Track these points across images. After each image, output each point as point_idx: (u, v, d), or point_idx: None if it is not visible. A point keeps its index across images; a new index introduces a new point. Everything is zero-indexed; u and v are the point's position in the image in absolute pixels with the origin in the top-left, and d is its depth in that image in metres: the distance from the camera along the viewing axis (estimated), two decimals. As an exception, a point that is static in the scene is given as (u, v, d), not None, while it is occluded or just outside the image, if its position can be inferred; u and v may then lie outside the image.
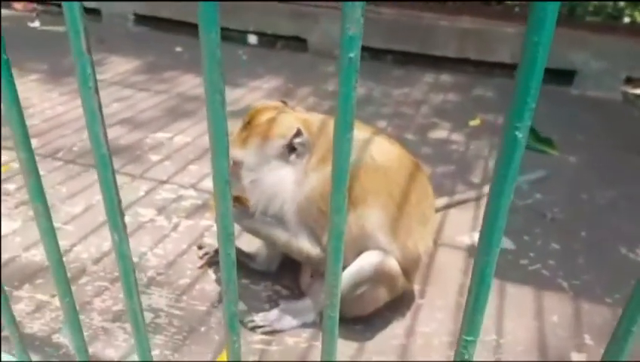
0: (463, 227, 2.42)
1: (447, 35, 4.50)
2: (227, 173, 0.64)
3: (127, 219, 2.35)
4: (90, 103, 0.62)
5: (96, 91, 0.62)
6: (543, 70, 0.47)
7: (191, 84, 4.03)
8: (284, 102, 1.73)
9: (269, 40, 5.08)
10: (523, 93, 0.49)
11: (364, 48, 4.75)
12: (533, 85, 0.47)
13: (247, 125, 1.62)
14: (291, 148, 1.57)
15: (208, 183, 2.68)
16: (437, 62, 4.67)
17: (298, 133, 1.55)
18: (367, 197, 1.56)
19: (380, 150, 1.62)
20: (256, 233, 1.68)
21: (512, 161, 0.51)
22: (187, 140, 3.18)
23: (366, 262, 1.61)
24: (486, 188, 2.70)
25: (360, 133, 1.64)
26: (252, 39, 5.17)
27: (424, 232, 1.68)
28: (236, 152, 1.60)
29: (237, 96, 3.88)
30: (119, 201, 0.72)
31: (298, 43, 4.97)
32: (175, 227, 2.31)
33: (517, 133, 0.49)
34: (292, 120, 1.60)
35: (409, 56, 4.72)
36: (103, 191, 0.71)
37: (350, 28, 0.50)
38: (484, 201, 2.63)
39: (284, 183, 1.59)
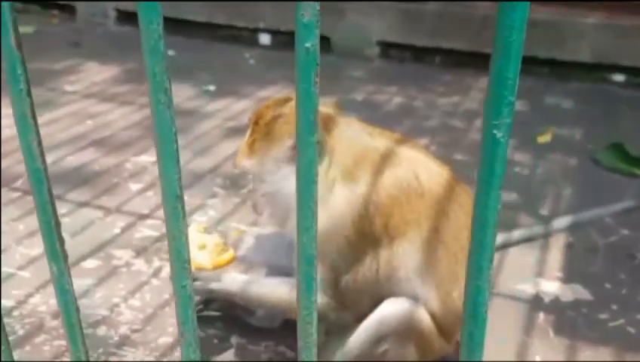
0: (526, 272, 2.42)
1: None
2: (177, 185, 0.71)
3: (97, 262, 2.44)
4: (22, 108, 0.70)
5: (29, 94, 0.70)
6: (519, 57, 0.52)
7: (184, 95, 4.20)
8: (337, 105, 1.80)
9: (283, 39, 5.25)
10: (498, 84, 0.54)
11: (404, 47, 4.86)
12: (510, 75, 0.53)
13: (255, 126, 1.69)
14: None
15: (202, 218, 2.76)
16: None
17: None
18: (407, 229, 1.60)
19: (427, 171, 1.66)
20: (239, 298, 1.75)
21: (493, 166, 0.56)
22: (175, 165, 3.31)
23: (390, 312, 1.64)
24: (557, 223, 2.70)
25: (404, 148, 1.69)
26: (263, 39, 5.35)
27: None
28: (243, 162, 1.68)
29: (240, 109, 4.02)
30: (58, 225, 0.80)
31: (321, 43, 5.12)
32: (156, 272, 2.39)
33: (495, 132, 0.54)
34: None
35: (461, 56, 4.80)
36: (38, 214, 0.79)
37: (305, 15, 0.57)
38: (555, 240, 2.63)
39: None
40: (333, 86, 4.33)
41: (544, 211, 2.87)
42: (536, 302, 2.27)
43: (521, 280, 2.39)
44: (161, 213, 2.82)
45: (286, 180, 1.62)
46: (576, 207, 2.85)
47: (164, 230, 2.73)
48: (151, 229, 2.69)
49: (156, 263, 2.45)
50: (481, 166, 0.57)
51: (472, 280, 0.61)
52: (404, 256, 1.62)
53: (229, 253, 1.79)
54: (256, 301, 1.78)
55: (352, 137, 1.65)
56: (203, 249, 1.99)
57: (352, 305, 1.69)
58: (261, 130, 1.66)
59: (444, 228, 1.63)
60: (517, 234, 2.62)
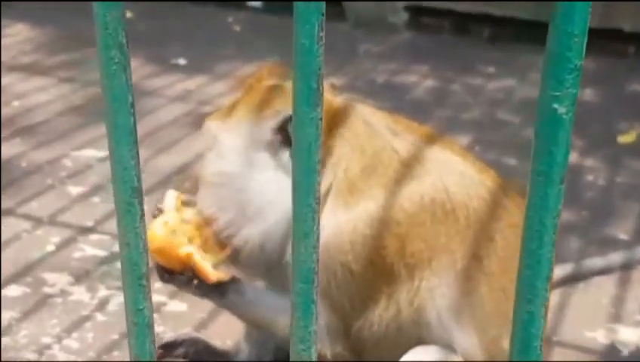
0: (598, 315, 2.43)
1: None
2: (133, 174, 0.72)
3: (22, 289, 2.45)
4: None
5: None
6: (588, 7, 0.53)
7: (145, 71, 4.23)
8: (334, 86, 1.80)
9: (278, 2, 5.28)
10: (560, 43, 0.55)
11: (441, 14, 4.87)
12: (575, 30, 0.54)
13: (247, 89, 1.72)
14: (285, 138, 1.62)
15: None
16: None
17: None
18: (432, 257, 1.61)
19: (462, 180, 1.67)
20: (238, 314, 1.75)
21: (553, 153, 0.57)
22: (131, 162, 3.32)
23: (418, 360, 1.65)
24: None
25: (433, 149, 1.69)
26: (254, 1, 5.38)
27: None
28: (213, 123, 1.70)
29: (218, 91, 4.04)
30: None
31: (330, 7, 5.15)
32: (102, 304, 2.40)
33: (556, 106, 0.56)
34: None
35: (517, 27, 4.82)
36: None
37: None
38: (638, 273, 2.63)
39: (276, 200, 1.63)
40: (345, 63, 4.36)
41: (623, 235, 2.88)
42: (611, 354, 2.27)
43: (591, 325, 2.39)
44: (109, 225, 2.83)
45: (251, 168, 1.64)
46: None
47: (113, 248, 2.77)
48: (96, 247, 2.70)
49: (102, 292, 2.46)
50: (535, 152, 0.58)
51: (522, 304, 0.62)
52: (431, 293, 1.62)
53: (228, 250, 1.77)
54: (258, 324, 1.79)
55: (364, 137, 1.66)
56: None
57: (371, 356, 1.70)
58: (250, 94, 1.68)
59: (489, 256, 1.64)
60: (587, 264, 2.62)
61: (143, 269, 0.78)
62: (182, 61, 4.49)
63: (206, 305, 2.19)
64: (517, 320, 0.67)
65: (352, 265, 1.61)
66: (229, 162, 1.67)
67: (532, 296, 0.66)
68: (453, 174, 1.67)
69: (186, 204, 1.90)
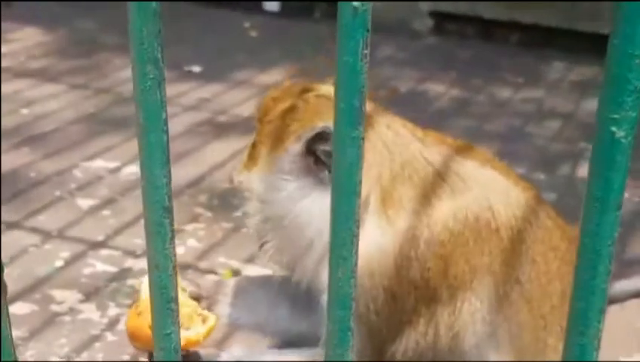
0: (632, 339, 2.41)
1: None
2: (165, 193, 0.73)
3: (30, 306, 2.46)
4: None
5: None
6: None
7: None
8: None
9: (296, 5, 5.29)
10: (620, 64, 0.55)
11: (467, 20, 4.87)
12: (637, 51, 0.54)
13: (259, 125, 1.72)
14: (316, 158, 1.61)
15: (179, 250, 2.78)
16: (598, 45, 4.73)
17: (322, 133, 1.57)
18: (474, 279, 1.61)
19: (505, 198, 1.66)
20: None
21: (610, 178, 0.57)
22: (143, 174, 3.33)
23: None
24: None
25: (471, 163, 1.69)
26: (270, 4, 5.39)
27: None
28: (242, 175, 1.71)
29: (234, 99, 4.06)
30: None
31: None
32: (112, 323, 2.40)
33: (614, 129, 0.56)
34: (325, 108, 1.62)
35: (547, 34, 4.83)
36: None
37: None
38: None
39: (316, 221, 1.62)
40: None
41: (662, 257, 2.87)
42: (649, 383, 2.26)
43: (627, 350, 2.38)
44: (120, 240, 2.83)
45: (295, 201, 1.64)
46: None
47: (124, 264, 2.78)
48: (106, 263, 2.70)
49: (113, 310, 2.46)
50: (591, 177, 0.58)
51: (574, 336, 0.62)
52: (471, 317, 1.62)
53: (211, 321, 1.78)
54: None
55: (392, 144, 1.66)
56: None
57: None
58: (264, 130, 1.68)
59: (529, 280, 1.63)
60: (622, 285, 2.60)
61: (172, 293, 0.78)
62: (196, 68, 4.50)
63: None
64: (568, 353, 0.66)
65: (395, 288, 1.61)
66: (270, 205, 1.68)
67: (584, 328, 0.65)
68: (498, 192, 1.66)
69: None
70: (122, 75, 4.27)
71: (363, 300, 1.60)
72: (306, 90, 1.70)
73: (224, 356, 1.72)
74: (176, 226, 2.78)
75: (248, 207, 1.73)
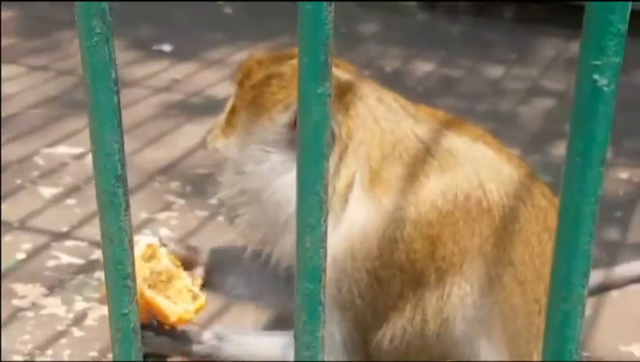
0: (633, 326, 2.42)
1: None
2: (117, 160, 0.72)
3: (-11, 300, 2.45)
4: None
5: None
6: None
7: (125, 58, 4.22)
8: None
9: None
10: (601, 6, 0.55)
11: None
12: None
13: (239, 89, 1.70)
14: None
15: (145, 239, 2.77)
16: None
17: None
18: (464, 261, 1.61)
19: (498, 176, 1.66)
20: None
21: (592, 130, 0.57)
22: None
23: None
24: None
25: (463, 139, 1.68)
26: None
27: None
28: (218, 142, 1.69)
29: (208, 80, 4.05)
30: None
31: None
32: (79, 318, 2.40)
33: (596, 77, 0.55)
34: None
35: (543, 9, 4.84)
36: None
37: None
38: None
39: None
40: (349, 49, 4.35)
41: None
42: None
43: (626, 338, 2.40)
44: (87, 230, 2.82)
45: (277, 175, 1.62)
46: None
47: (91, 256, 2.77)
48: (72, 255, 2.70)
49: (79, 305, 2.46)
50: (573, 130, 0.58)
51: (556, 303, 0.62)
52: (461, 301, 1.61)
53: (201, 299, 1.77)
54: None
55: (382, 120, 1.64)
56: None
57: None
58: (246, 95, 1.66)
59: (522, 262, 1.63)
60: (620, 270, 2.62)
61: (128, 269, 0.77)
62: (166, 47, 4.49)
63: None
64: (550, 321, 0.66)
65: (379, 271, 1.60)
66: (248, 177, 1.66)
67: (567, 294, 0.65)
68: (489, 168, 1.65)
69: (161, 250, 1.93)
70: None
71: (346, 284, 1.60)
72: (292, 57, 1.68)
73: (206, 334, 1.70)
74: (147, 215, 2.81)
75: (222, 177, 1.72)
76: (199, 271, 1.86)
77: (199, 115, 3.66)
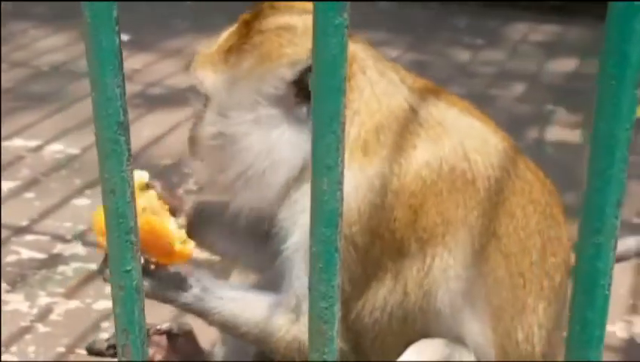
0: (613, 306, 2.40)
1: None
2: (119, 104, 0.70)
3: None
4: None
5: None
6: None
7: (78, 49, 4.18)
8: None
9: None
10: None
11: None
12: None
13: (243, 27, 1.64)
14: (304, 95, 1.57)
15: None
16: (562, 3, 4.84)
17: None
18: (447, 232, 1.61)
19: (484, 147, 1.66)
20: (201, 314, 1.69)
21: (625, 51, 0.56)
22: (71, 151, 3.29)
23: (420, 359, 1.63)
24: None
25: (453, 111, 1.68)
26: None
27: (550, 315, 1.70)
28: (204, 74, 1.64)
29: (168, 70, 4.02)
30: None
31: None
32: (44, 314, 2.38)
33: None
34: None
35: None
36: None
37: None
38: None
39: (283, 160, 1.60)
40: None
41: (638, 218, 2.92)
42: (630, 350, 2.29)
43: (609, 317, 2.40)
44: (47, 224, 2.80)
45: (262, 128, 1.60)
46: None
47: (53, 250, 2.73)
48: (33, 249, 2.68)
49: (43, 300, 2.44)
50: (606, 52, 0.57)
51: (588, 235, 0.61)
52: (444, 273, 1.61)
53: (191, 244, 1.73)
54: (229, 328, 1.74)
55: (380, 94, 1.63)
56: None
57: (372, 351, 1.69)
58: (252, 36, 1.61)
59: (506, 234, 1.63)
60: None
61: (131, 223, 0.76)
62: (125, 36, 4.43)
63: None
64: (582, 255, 0.65)
65: (357, 237, 1.59)
66: (230, 122, 1.61)
67: (600, 225, 0.64)
68: (475, 139, 1.65)
69: (150, 186, 1.87)
70: (40, 46, 4.21)
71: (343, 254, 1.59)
72: (306, 12, 1.64)
73: (192, 281, 1.67)
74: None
75: (199, 111, 1.67)
76: (182, 221, 1.81)
77: (161, 105, 3.64)
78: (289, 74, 1.56)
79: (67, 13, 4.79)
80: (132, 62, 4.14)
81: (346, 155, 1.58)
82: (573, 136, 3.51)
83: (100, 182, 2.72)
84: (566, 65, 4.20)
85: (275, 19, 1.63)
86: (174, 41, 4.41)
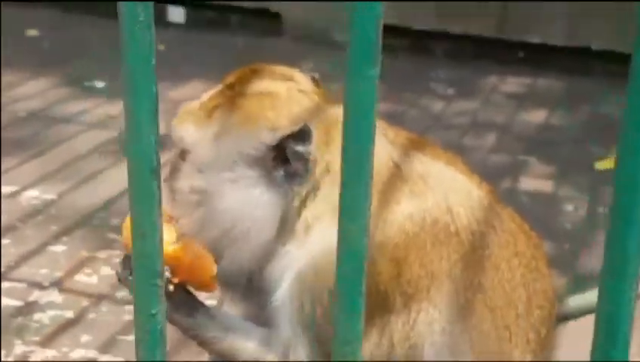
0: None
1: (551, 7, 4.72)
2: (152, 149, 0.73)
3: None
4: None
5: None
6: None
7: (55, 95, 4.21)
8: (315, 81, 1.78)
9: (202, 15, 5.35)
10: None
11: (395, 31, 4.91)
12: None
13: (226, 89, 1.68)
14: (282, 159, 1.61)
15: (86, 278, 2.74)
16: (530, 56, 4.92)
17: (302, 133, 1.57)
18: (432, 286, 1.61)
19: (466, 200, 1.67)
20: (202, 340, 1.70)
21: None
22: (48, 197, 3.29)
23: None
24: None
25: (432, 162, 1.70)
26: (174, 14, 5.39)
27: None
28: (186, 129, 1.66)
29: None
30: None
31: (267, 20, 5.22)
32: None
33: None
34: (305, 106, 1.64)
35: (479, 45, 4.95)
36: None
37: None
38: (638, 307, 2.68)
39: (265, 220, 1.63)
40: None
41: None
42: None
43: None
44: (23, 271, 2.79)
45: (238, 187, 1.62)
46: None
47: (29, 297, 2.71)
48: (9, 297, 2.66)
49: (19, 348, 2.42)
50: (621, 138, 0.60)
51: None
52: (429, 327, 1.62)
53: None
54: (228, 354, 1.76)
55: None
56: None
57: None
58: (235, 98, 1.64)
59: (492, 287, 1.65)
60: (575, 301, 2.65)
61: (158, 266, 0.78)
62: (99, 83, 4.47)
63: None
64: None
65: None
66: (208, 179, 1.64)
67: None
68: (459, 193, 1.67)
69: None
70: (16, 92, 4.20)
71: (309, 300, 1.60)
72: (288, 79, 1.69)
73: (200, 307, 1.68)
74: (88, 253, 2.76)
75: (177, 166, 1.69)
76: None
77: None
78: (270, 138, 1.59)
79: (46, 60, 4.80)
80: (107, 108, 4.15)
81: (323, 217, 1.62)
82: (547, 186, 3.56)
83: (76, 228, 2.76)
84: (536, 116, 4.27)
85: (259, 84, 1.67)
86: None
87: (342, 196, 0.74)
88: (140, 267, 0.77)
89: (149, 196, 0.75)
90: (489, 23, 4.88)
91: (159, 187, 0.76)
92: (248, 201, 1.63)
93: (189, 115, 1.68)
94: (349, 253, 0.73)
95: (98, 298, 2.67)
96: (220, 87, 1.70)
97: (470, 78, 4.76)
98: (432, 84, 4.65)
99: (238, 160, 1.62)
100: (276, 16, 5.10)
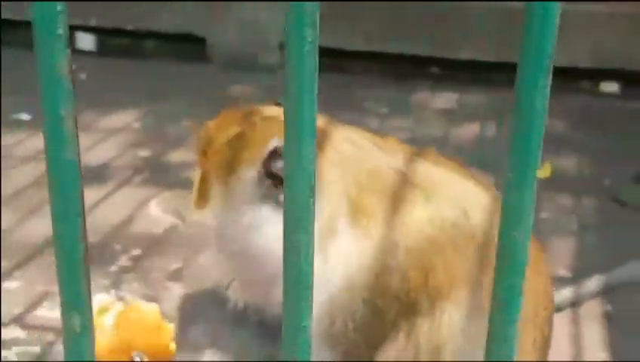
0: (557, 356, 2.50)
1: (487, 19, 4.83)
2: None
3: None
4: None
5: None
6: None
7: None
8: (277, 104, 1.85)
9: (115, 42, 5.34)
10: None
11: (325, 52, 4.94)
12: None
13: (203, 160, 1.75)
14: (272, 180, 1.66)
15: (48, 312, 2.69)
16: (461, 72, 5.04)
17: (275, 151, 1.63)
18: (453, 288, 1.65)
19: (477, 201, 1.73)
20: None
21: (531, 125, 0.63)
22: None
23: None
24: (585, 286, 2.80)
25: (432, 167, 1.75)
26: (84, 41, 5.39)
27: None
28: (194, 216, 1.75)
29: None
30: None
31: (192, 46, 5.22)
32: None
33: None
34: (271, 130, 1.69)
35: (410, 63, 5.04)
36: None
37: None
38: (587, 309, 2.77)
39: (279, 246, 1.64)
40: (211, 109, 4.40)
41: (564, 271, 3.03)
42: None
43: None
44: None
45: (258, 229, 1.68)
46: (606, 263, 2.99)
47: None
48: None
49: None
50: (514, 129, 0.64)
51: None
52: (450, 330, 1.66)
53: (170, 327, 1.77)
54: None
55: (354, 158, 1.73)
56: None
57: None
58: (211, 162, 1.72)
59: None
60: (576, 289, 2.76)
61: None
62: (25, 116, 4.40)
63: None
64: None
65: (377, 300, 1.64)
66: (233, 239, 1.71)
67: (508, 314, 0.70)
68: (469, 195, 1.74)
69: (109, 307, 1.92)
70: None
71: (341, 317, 1.63)
72: (249, 115, 1.75)
73: None
74: (43, 288, 2.71)
75: (208, 247, 1.74)
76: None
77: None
78: (252, 172, 1.68)
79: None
80: (35, 141, 4.08)
81: (343, 223, 1.65)
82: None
83: (27, 262, 2.70)
84: (468, 129, 4.37)
85: (223, 137, 1.76)
86: (77, 115, 4.36)
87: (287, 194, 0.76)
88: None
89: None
90: (420, 41, 4.97)
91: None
92: (275, 234, 1.66)
93: (192, 202, 1.78)
94: (292, 271, 0.75)
95: (59, 331, 2.63)
96: (198, 159, 1.78)
97: (401, 96, 4.85)
98: (364, 103, 4.71)
99: (245, 207, 1.70)
100: (201, 40, 5.10)
